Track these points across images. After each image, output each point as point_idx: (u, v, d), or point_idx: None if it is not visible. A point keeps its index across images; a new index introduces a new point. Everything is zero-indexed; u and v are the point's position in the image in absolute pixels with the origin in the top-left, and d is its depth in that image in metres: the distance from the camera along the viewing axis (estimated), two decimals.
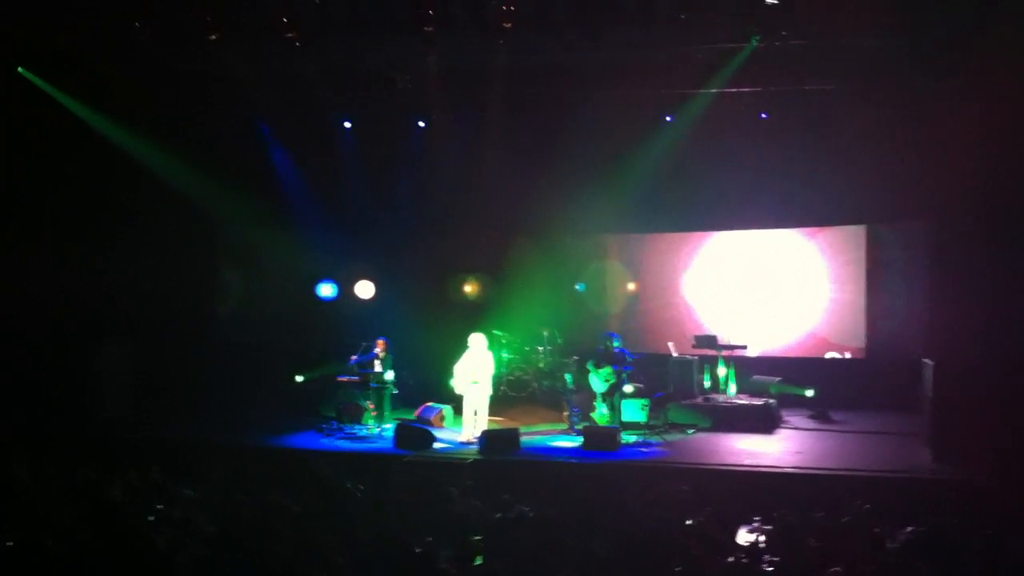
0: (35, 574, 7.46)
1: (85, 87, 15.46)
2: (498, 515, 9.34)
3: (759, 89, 15.35)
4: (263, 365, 16.86)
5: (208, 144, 16.48)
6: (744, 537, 9.27)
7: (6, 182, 15.52)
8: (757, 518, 9.86)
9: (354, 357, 15.04)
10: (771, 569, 7.89)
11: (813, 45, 13.96)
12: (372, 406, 15.00)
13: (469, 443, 13.87)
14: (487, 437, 13.48)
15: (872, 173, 15.43)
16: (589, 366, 14.41)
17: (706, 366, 15.84)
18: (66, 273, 15.73)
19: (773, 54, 14.13)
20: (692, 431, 14.52)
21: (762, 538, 9.01)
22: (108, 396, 15.63)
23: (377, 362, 15.14)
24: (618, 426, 13.92)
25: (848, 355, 16.65)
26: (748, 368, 16.02)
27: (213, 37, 13.84)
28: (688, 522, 9.12)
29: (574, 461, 12.89)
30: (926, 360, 12.84)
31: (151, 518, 9.42)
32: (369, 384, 15.00)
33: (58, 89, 15.36)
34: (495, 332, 16.51)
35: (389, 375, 15.15)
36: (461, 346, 14.28)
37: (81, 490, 10.48)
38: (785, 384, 15.70)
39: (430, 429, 14.29)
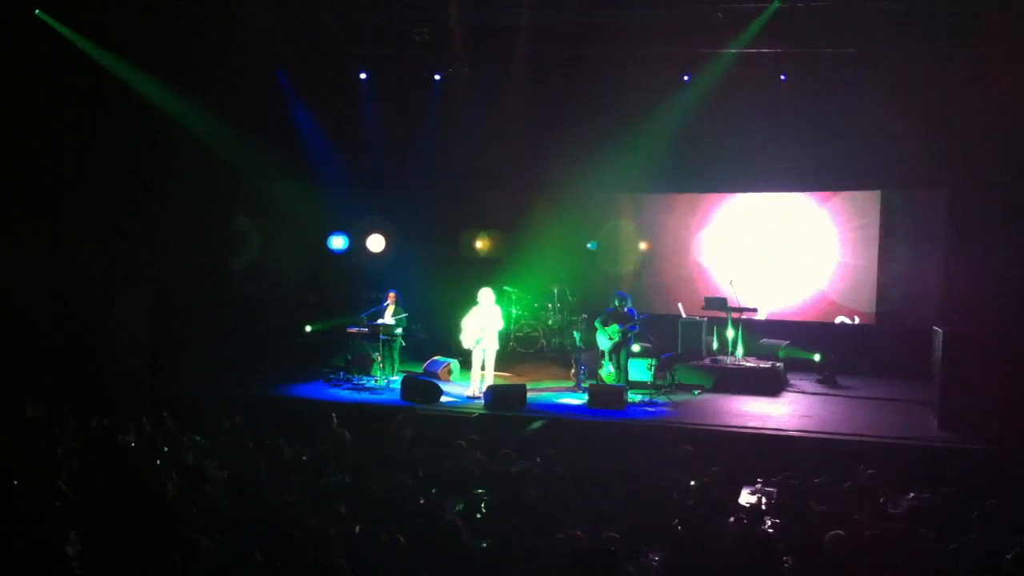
0: (49, 516, 7.56)
1: (104, 33, 15.33)
2: (504, 469, 9.44)
3: (779, 51, 15.22)
4: (275, 316, 16.94)
5: (228, 95, 16.39)
6: (746, 498, 9.34)
7: (24, 130, 15.44)
8: (759, 480, 9.93)
9: (379, 321, 15.16)
10: (772, 531, 7.95)
11: (835, 7, 13.83)
12: (380, 358, 15.07)
13: (475, 398, 13.94)
14: (493, 393, 13.52)
15: (888, 139, 15.36)
16: (597, 323, 14.43)
17: (715, 328, 15.84)
18: (83, 226, 15.71)
19: (795, 16, 14.00)
20: (698, 392, 14.56)
21: (764, 500, 9.08)
22: (124, 348, 15.68)
23: (387, 314, 15.20)
24: (625, 385, 13.96)
25: (858, 320, 16.64)
26: (757, 331, 16.02)
27: None
28: (692, 482, 9.20)
29: (580, 419, 12.96)
30: (936, 328, 12.82)
31: (159, 462, 9.55)
32: (379, 336, 15.04)
33: (74, 33, 15.23)
34: (506, 288, 16.54)
35: (399, 328, 15.20)
36: (471, 301, 14.30)
37: (95, 435, 10.60)
38: (793, 348, 15.71)
39: (437, 382, 14.35)
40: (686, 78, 16.19)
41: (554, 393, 14.49)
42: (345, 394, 14.38)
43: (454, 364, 15.67)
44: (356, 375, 15.12)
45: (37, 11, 14.73)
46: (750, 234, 17.37)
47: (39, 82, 15.22)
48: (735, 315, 15.45)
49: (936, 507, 8.43)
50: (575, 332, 15.69)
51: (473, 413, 13.09)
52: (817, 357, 15.60)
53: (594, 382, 14.22)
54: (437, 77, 17.25)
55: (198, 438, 10.63)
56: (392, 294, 15.34)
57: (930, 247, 16.02)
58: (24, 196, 15.38)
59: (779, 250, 17.18)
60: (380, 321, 15.12)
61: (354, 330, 15.39)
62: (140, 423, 10.87)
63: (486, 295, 14.23)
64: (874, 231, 16.67)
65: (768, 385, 14.66)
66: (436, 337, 16.60)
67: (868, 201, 16.72)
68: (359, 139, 17.93)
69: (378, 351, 15.10)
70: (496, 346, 14.31)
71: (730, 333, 15.43)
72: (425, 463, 9.83)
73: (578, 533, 7.09)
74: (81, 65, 15.32)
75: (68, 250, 15.34)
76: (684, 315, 16.20)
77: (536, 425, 12.23)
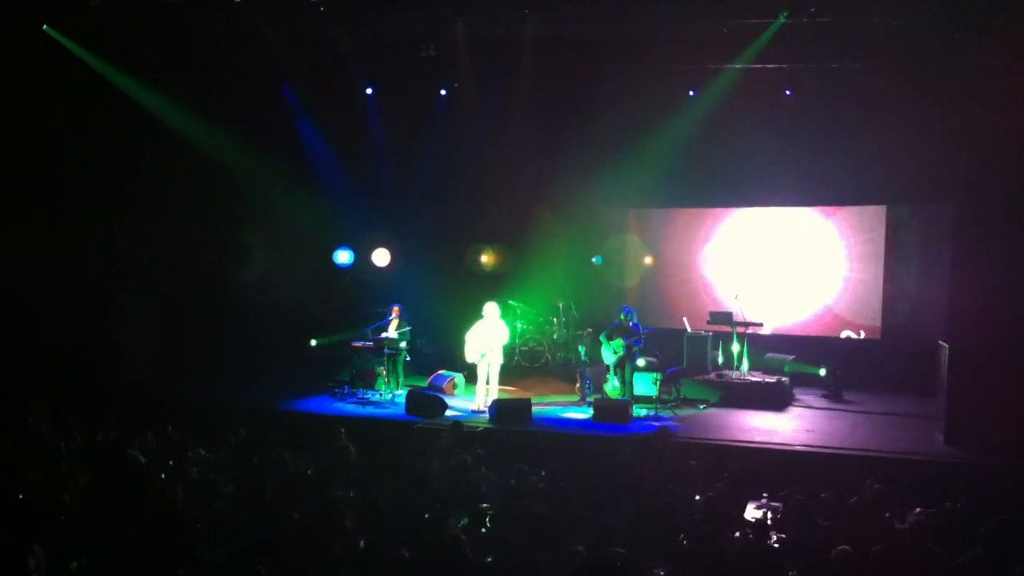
0: (53, 529, 7.55)
1: (111, 48, 15.41)
2: (510, 483, 9.43)
3: (785, 66, 15.25)
4: (281, 329, 16.96)
5: (233, 108, 16.47)
6: (752, 513, 9.31)
7: (33, 142, 15.52)
8: (765, 494, 9.90)
9: (383, 335, 15.16)
10: (778, 546, 7.92)
11: (841, 22, 13.86)
12: (385, 372, 15.08)
13: (481, 412, 13.93)
14: (498, 407, 13.52)
15: (894, 154, 15.34)
16: (602, 338, 14.43)
17: (720, 342, 15.81)
18: (90, 234, 15.77)
19: (800, 31, 14.04)
20: (704, 407, 14.53)
21: (770, 514, 9.06)
22: (129, 357, 15.71)
23: (391, 328, 15.21)
24: (630, 399, 13.94)
25: (863, 335, 16.61)
26: (763, 345, 15.99)
27: None
28: (697, 497, 9.17)
29: (585, 433, 12.94)
30: (942, 343, 12.79)
31: (163, 476, 9.54)
32: (383, 350, 15.06)
33: (84, 49, 15.32)
34: (511, 302, 16.55)
35: (403, 342, 15.20)
36: (476, 315, 14.32)
37: (101, 448, 10.59)
38: (799, 362, 15.68)
39: (442, 396, 14.34)
40: (691, 93, 16.23)
41: (559, 407, 14.48)
42: (350, 408, 14.41)
43: (459, 378, 15.67)
44: (361, 389, 15.13)
45: (44, 27, 14.81)
46: (755, 248, 17.36)
47: (47, 93, 15.33)
48: (740, 329, 15.43)
49: (942, 522, 8.40)
50: (580, 346, 15.71)
51: (478, 427, 13.06)
52: (823, 372, 15.56)
53: (599, 396, 14.22)
54: (443, 92, 17.31)
55: (203, 452, 10.63)
56: (396, 308, 15.36)
57: (936, 261, 16.00)
58: (30, 205, 15.48)
59: (785, 264, 17.17)
60: (384, 335, 15.14)
61: (359, 344, 15.42)
62: (145, 436, 10.87)
63: (492, 309, 14.24)
64: (880, 245, 16.65)
65: (774, 400, 14.63)
66: (441, 351, 16.61)
67: (874, 215, 16.71)
68: (365, 153, 17.96)
69: (383, 365, 15.11)
70: (501, 360, 14.33)
71: (736, 347, 15.41)
72: (430, 477, 9.82)
73: (580, 548, 7.06)
74: (89, 78, 15.43)
75: (74, 262, 15.41)
76: (689, 329, 16.17)
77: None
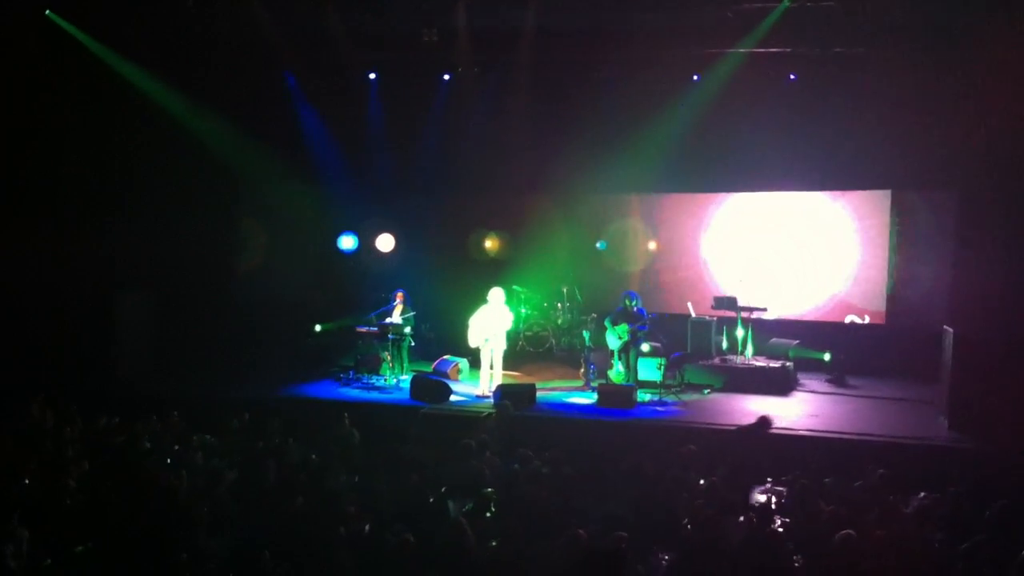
0: (56, 515, 7.58)
1: (111, 35, 15.35)
2: (513, 469, 9.45)
3: (788, 51, 15.20)
4: (284, 316, 16.96)
5: (234, 97, 16.42)
6: (757, 498, 9.33)
7: (31, 131, 15.48)
8: (769, 479, 9.92)
9: (387, 320, 15.16)
10: (782, 530, 7.94)
11: (845, 7, 13.80)
12: (389, 357, 15.10)
13: (485, 397, 13.95)
14: (503, 392, 13.54)
15: (899, 139, 15.26)
16: (606, 323, 14.43)
17: (724, 327, 15.81)
18: (88, 227, 15.75)
19: (804, 15, 13.98)
20: (708, 391, 14.53)
21: (774, 499, 9.08)
22: (129, 355, 15.73)
23: (395, 313, 15.23)
24: (634, 384, 13.95)
25: (868, 320, 16.58)
26: (767, 331, 15.97)
27: None
28: (701, 482, 9.19)
29: (589, 418, 12.96)
30: (946, 328, 12.78)
31: (168, 460, 9.57)
32: (387, 335, 15.07)
33: (84, 34, 15.26)
34: (515, 287, 16.56)
35: (407, 327, 15.21)
36: (480, 301, 14.33)
37: (103, 435, 10.62)
38: (803, 348, 15.66)
39: (447, 382, 14.36)
40: (695, 77, 16.19)
41: (563, 392, 14.49)
42: (355, 393, 14.43)
43: (463, 363, 15.68)
44: (366, 375, 15.15)
45: (48, 12, 14.77)
46: (760, 233, 17.30)
47: (45, 83, 15.28)
48: (745, 314, 15.42)
49: (945, 507, 8.41)
50: (584, 332, 15.68)
51: (483, 412, 13.09)
52: (827, 357, 15.55)
53: (603, 381, 14.23)
54: (446, 77, 17.27)
55: (208, 437, 10.65)
56: (400, 293, 15.38)
57: (941, 246, 15.94)
58: (27, 196, 15.46)
59: (789, 249, 17.12)
60: (388, 320, 15.15)
61: (363, 330, 15.42)
62: (149, 423, 10.89)
63: (496, 294, 14.25)
64: (885, 230, 16.59)
65: (778, 385, 14.63)
66: (445, 337, 16.61)
67: (879, 200, 16.66)
68: (366, 140, 17.93)
69: (387, 350, 15.13)
70: (504, 345, 14.34)
71: (740, 332, 15.40)
72: (433, 463, 9.84)
73: (580, 532, 7.07)
74: (87, 67, 15.37)
75: (76, 254, 15.40)
76: (694, 314, 16.16)
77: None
